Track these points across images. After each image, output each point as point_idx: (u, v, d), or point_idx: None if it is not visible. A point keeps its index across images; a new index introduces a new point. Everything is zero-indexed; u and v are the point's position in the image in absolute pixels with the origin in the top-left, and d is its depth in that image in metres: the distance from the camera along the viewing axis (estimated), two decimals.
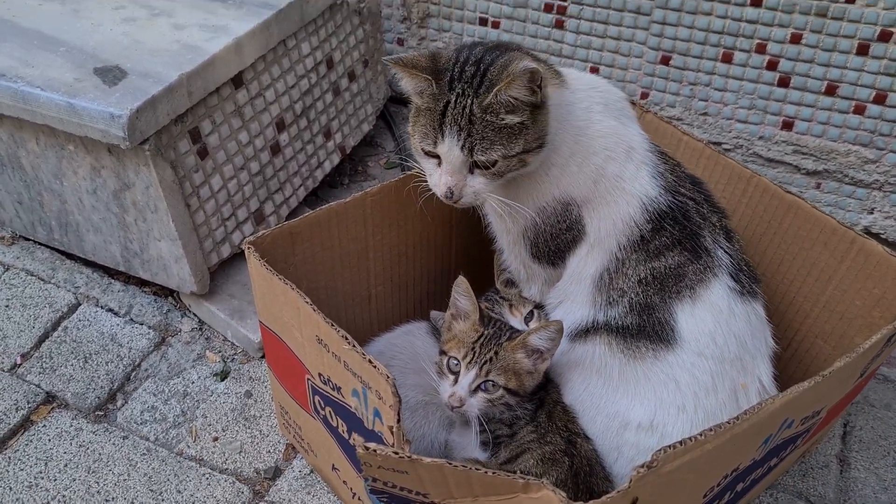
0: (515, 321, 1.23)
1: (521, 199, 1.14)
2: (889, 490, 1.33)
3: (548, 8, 1.73)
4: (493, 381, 1.14)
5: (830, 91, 1.58)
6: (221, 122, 1.43)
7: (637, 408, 1.11)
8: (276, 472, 1.31)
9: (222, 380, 1.46)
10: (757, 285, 1.16)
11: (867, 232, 1.66)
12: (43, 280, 1.58)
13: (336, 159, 1.77)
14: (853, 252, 1.26)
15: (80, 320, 1.51)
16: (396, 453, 0.89)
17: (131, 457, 1.31)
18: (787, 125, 1.65)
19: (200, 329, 1.54)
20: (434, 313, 1.30)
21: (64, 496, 1.24)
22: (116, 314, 1.53)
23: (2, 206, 1.61)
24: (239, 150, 1.48)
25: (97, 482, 1.27)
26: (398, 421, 0.96)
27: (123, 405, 1.39)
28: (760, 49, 1.60)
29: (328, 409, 1.15)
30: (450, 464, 0.88)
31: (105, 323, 1.51)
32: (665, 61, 1.69)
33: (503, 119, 1.06)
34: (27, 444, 1.31)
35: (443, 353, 1.19)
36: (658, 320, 1.10)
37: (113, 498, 1.25)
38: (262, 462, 1.33)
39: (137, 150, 1.28)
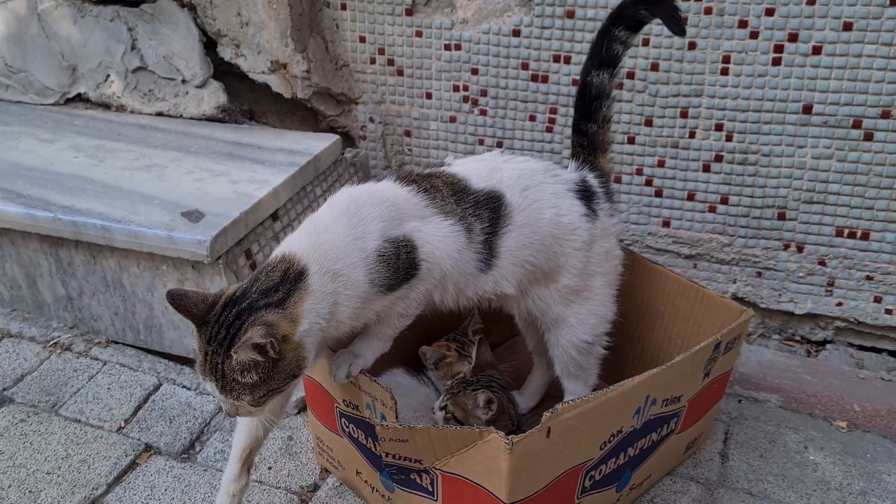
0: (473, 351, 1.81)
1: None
2: (755, 472, 1.85)
3: None
4: (448, 407, 1.71)
5: (691, 197, 2.24)
6: (264, 244, 2.06)
7: None
8: (315, 487, 1.83)
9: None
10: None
11: (734, 297, 2.27)
12: (132, 369, 2.14)
13: None
14: (700, 298, 1.86)
15: (163, 395, 2.06)
16: (400, 425, 1.45)
17: (211, 482, 1.82)
18: (666, 223, 2.30)
19: None
20: (423, 348, 1.86)
21: None
22: (189, 389, 2.08)
23: (101, 318, 2.19)
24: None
25: (189, 499, 1.78)
26: (396, 417, 1.51)
27: (201, 450, 1.92)
28: (639, 172, 2.27)
29: (351, 425, 1.68)
30: (434, 426, 1.44)
31: (182, 395, 2.06)
32: None
33: (244, 377, 1.27)
34: (136, 478, 1.83)
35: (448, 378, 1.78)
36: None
37: None
38: (304, 481, 1.85)
39: (214, 265, 1.90)
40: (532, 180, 1.58)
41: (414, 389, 1.82)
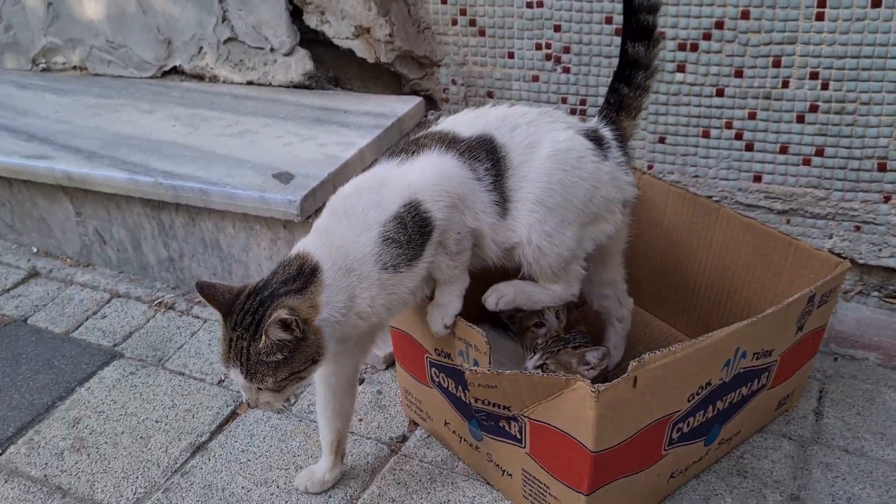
0: (552, 315, 1.83)
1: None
2: (852, 430, 1.80)
3: (572, 111, 2.39)
4: (548, 365, 1.73)
5: (783, 150, 2.17)
6: None
7: None
8: (404, 438, 1.89)
9: (360, 384, 2.06)
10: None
11: (830, 252, 2.19)
12: None
13: None
14: (792, 251, 1.81)
15: None
16: (489, 370, 1.48)
17: (306, 431, 1.91)
18: (757, 178, 2.24)
19: None
20: None
21: (266, 455, 1.84)
22: None
23: (200, 278, 2.29)
24: None
25: (286, 447, 1.87)
26: (489, 362, 1.54)
27: (295, 402, 2.01)
28: (728, 125, 2.21)
29: (441, 374, 1.73)
30: (522, 372, 1.46)
31: None
32: (662, 141, 2.31)
33: (270, 357, 1.31)
34: (237, 427, 1.93)
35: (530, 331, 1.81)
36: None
37: (296, 455, 1.84)
38: (394, 432, 1.91)
39: (304, 224, 1.96)
40: (521, 120, 1.54)
41: (500, 344, 1.84)
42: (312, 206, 1.96)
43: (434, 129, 1.57)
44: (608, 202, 1.60)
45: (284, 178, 2.01)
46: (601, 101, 2.31)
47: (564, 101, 2.39)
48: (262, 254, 2.11)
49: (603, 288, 1.85)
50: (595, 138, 1.60)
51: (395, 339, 1.85)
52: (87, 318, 2.37)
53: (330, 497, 1.73)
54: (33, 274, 2.59)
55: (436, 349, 1.69)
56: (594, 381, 1.68)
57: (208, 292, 1.38)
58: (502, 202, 1.51)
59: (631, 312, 1.93)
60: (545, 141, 1.53)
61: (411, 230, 1.42)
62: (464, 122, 1.55)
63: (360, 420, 1.94)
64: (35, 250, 2.68)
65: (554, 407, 1.44)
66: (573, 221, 1.55)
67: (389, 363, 2.09)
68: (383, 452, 1.85)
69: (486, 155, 1.49)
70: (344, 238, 1.41)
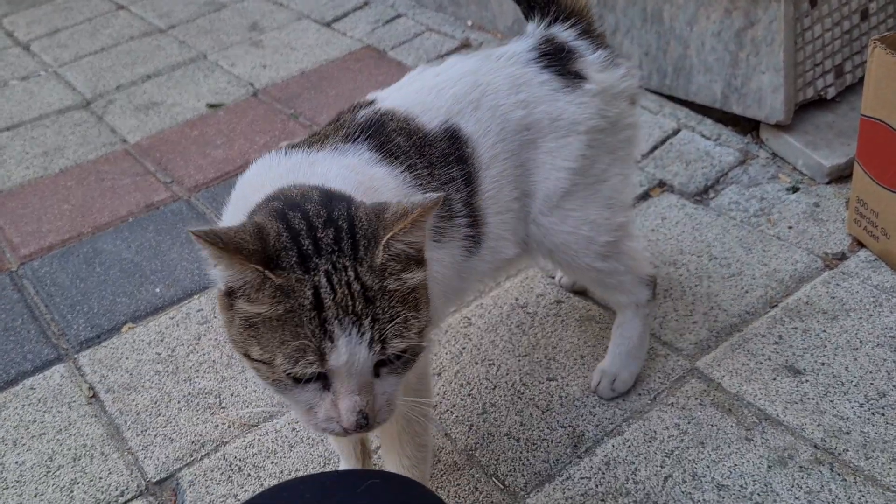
0: None
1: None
2: None
3: None
4: None
5: None
6: None
7: None
8: (843, 256, 1.60)
9: (792, 193, 1.78)
10: None
11: None
12: (652, 113, 2.08)
13: None
14: None
15: (681, 139, 1.98)
16: None
17: (724, 225, 1.71)
18: None
19: (773, 159, 1.89)
20: None
21: (678, 240, 1.70)
22: (708, 139, 1.96)
23: (630, 58, 2.15)
24: (837, 8, 1.79)
25: (700, 236, 1.69)
26: None
27: (714, 197, 1.81)
28: None
29: None
30: None
31: (700, 143, 1.95)
32: None
33: (406, 280, 0.78)
34: (648, 208, 1.80)
35: None
36: None
37: (710, 245, 1.66)
38: (830, 249, 1.62)
39: None
40: (477, 87, 1.12)
41: None
42: None
43: (385, 106, 1.09)
44: (610, 125, 1.19)
45: None
46: None
47: None
48: (708, 29, 1.87)
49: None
50: (555, 53, 1.18)
51: (863, 132, 1.52)
52: None
53: (747, 293, 1.54)
54: (465, 45, 2.66)
55: None
56: None
57: (223, 239, 0.75)
58: (478, 231, 1.12)
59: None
60: (513, 113, 1.13)
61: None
62: (422, 103, 1.11)
63: (790, 227, 1.69)
64: (469, 23, 2.75)
65: None
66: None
67: (833, 177, 1.78)
68: (816, 264, 1.59)
69: (458, 166, 1.09)
70: None
